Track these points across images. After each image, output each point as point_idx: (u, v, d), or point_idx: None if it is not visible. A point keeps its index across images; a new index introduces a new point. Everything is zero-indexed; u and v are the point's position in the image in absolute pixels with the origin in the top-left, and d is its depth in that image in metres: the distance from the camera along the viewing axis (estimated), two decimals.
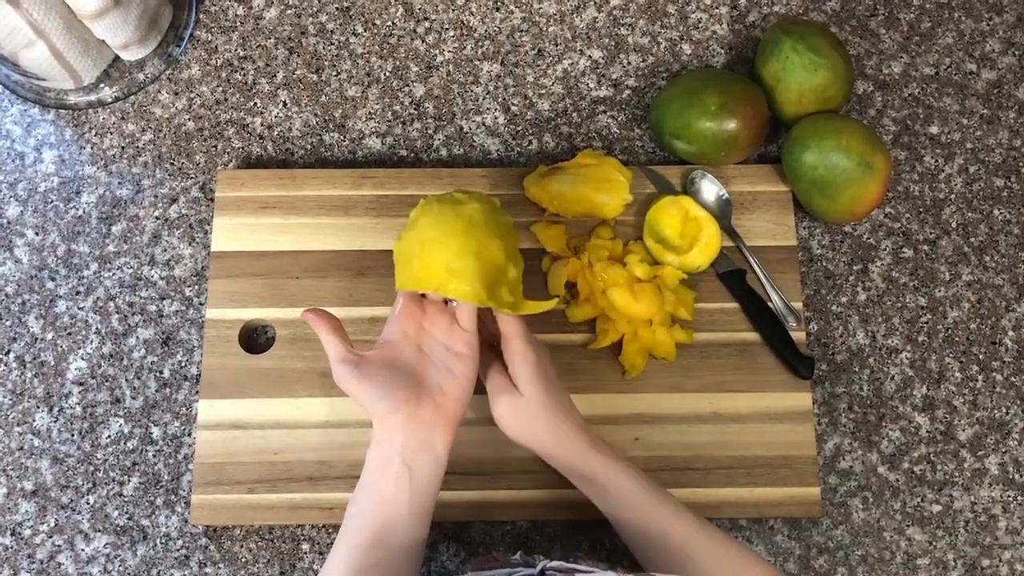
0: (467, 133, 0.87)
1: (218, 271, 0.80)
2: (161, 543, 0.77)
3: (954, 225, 0.84)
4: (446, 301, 0.69)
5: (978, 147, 0.86)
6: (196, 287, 0.82)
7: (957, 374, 0.81)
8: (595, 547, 0.76)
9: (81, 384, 0.80)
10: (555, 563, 0.59)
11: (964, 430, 0.79)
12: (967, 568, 0.77)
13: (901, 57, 0.89)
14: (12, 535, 0.77)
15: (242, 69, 0.89)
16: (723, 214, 0.82)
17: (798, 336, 0.78)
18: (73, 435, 0.79)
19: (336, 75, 0.88)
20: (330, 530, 0.77)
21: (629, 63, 0.89)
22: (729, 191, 0.82)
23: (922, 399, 0.80)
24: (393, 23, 0.90)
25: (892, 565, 0.77)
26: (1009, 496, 0.78)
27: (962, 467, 0.79)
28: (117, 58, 0.88)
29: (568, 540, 0.77)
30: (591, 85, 0.88)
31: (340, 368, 0.64)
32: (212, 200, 0.84)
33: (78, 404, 0.79)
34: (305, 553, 0.76)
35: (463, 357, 0.66)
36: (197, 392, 0.79)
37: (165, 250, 0.83)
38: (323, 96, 0.88)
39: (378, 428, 0.64)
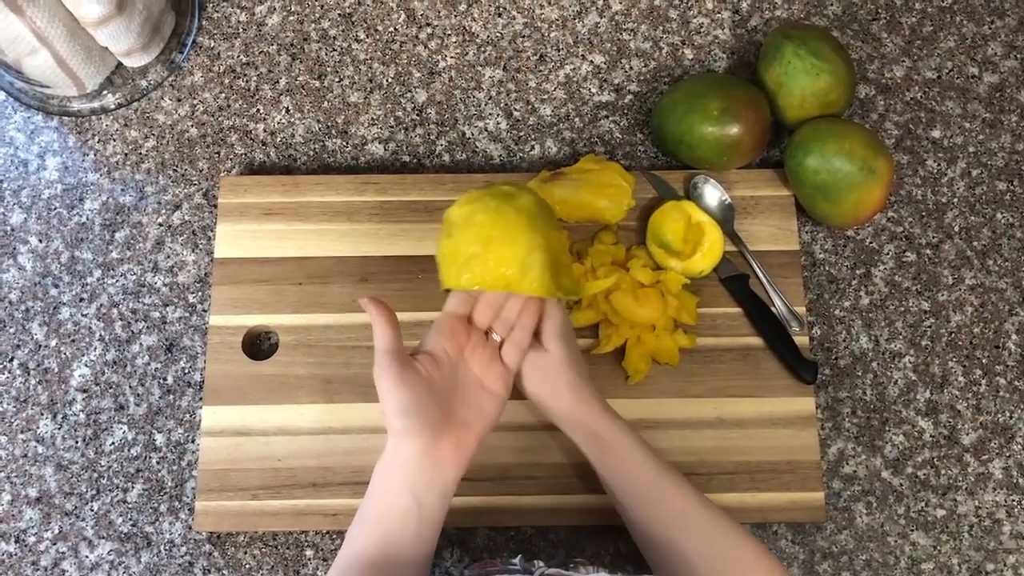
0: (469, 139, 0.87)
1: (221, 277, 0.80)
2: (165, 550, 0.77)
3: (957, 229, 0.84)
4: (487, 333, 0.67)
5: (980, 151, 0.86)
6: (199, 293, 0.82)
7: (960, 378, 0.81)
8: (599, 553, 0.76)
9: (85, 391, 0.80)
10: (553, 570, 0.59)
11: (968, 434, 0.79)
12: (971, 573, 0.76)
13: (903, 61, 0.89)
14: (16, 542, 0.77)
15: (245, 75, 0.89)
16: (725, 219, 0.82)
17: (801, 341, 0.78)
18: (77, 442, 0.79)
19: (338, 81, 0.89)
20: (334, 536, 0.77)
21: (631, 68, 0.89)
22: (731, 196, 0.82)
23: (925, 403, 0.80)
24: (395, 29, 0.90)
25: (896, 570, 0.76)
26: (1013, 500, 0.78)
27: (966, 471, 0.79)
28: (120, 65, 0.88)
29: (572, 546, 0.77)
30: (593, 90, 0.88)
31: (385, 359, 0.60)
32: (215, 206, 0.84)
33: (82, 411, 0.80)
34: (309, 559, 0.76)
35: (496, 396, 0.65)
36: (200, 399, 0.79)
37: (168, 257, 0.83)
38: (325, 102, 0.88)
39: (392, 451, 0.61)
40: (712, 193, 0.82)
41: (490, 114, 0.88)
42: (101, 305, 0.82)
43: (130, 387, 0.80)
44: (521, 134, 0.87)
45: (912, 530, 0.77)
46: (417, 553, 0.61)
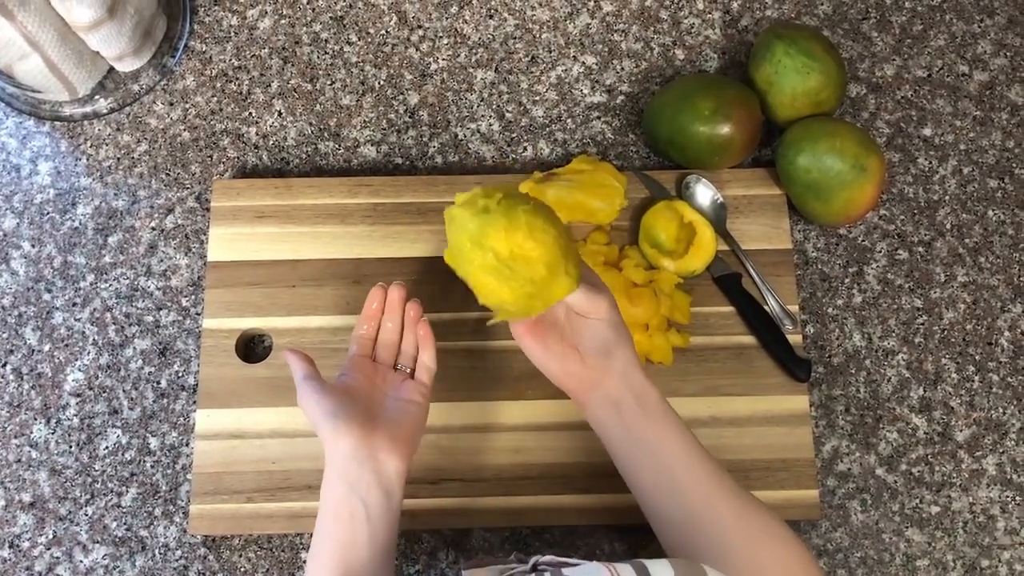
0: (462, 140, 0.87)
1: (214, 281, 0.80)
2: (160, 553, 0.76)
3: (948, 227, 0.85)
4: (395, 365, 0.70)
5: (971, 149, 0.87)
6: (193, 297, 0.82)
7: (954, 375, 0.81)
8: (594, 552, 0.76)
9: (78, 395, 0.80)
10: (547, 557, 0.59)
11: (961, 431, 0.80)
12: (966, 569, 0.77)
13: (893, 60, 0.89)
14: (10, 547, 0.77)
15: (237, 79, 0.89)
16: (718, 218, 0.82)
17: (794, 339, 0.79)
18: (71, 446, 0.79)
19: (330, 84, 0.89)
20: None
21: (623, 69, 0.89)
22: (724, 195, 0.82)
23: (919, 400, 0.80)
24: (387, 32, 0.90)
25: (891, 567, 0.77)
26: (1007, 496, 0.78)
27: (960, 468, 0.79)
28: (112, 69, 0.88)
29: (568, 546, 0.77)
30: (585, 91, 0.88)
31: (305, 382, 0.65)
32: (208, 210, 0.84)
33: (75, 415, 0.79)
34: (304, 562, 0.76)
35: (415, 403, 0.67)
36: (195, 402, 0.79)
37: (161, 260, 0.83)
38: (318, 105, 0.88)
39: (330, 462, 0.63)
40: (704, 192, 0.82)
41: (482, 116, 0.88)
42: (94, 309, 0.82)
43: (124, 391, 0.80)
44: (513, 135, 0.87)
45: (907, 527, 0.77)
46: (375, 554, 0.61)
